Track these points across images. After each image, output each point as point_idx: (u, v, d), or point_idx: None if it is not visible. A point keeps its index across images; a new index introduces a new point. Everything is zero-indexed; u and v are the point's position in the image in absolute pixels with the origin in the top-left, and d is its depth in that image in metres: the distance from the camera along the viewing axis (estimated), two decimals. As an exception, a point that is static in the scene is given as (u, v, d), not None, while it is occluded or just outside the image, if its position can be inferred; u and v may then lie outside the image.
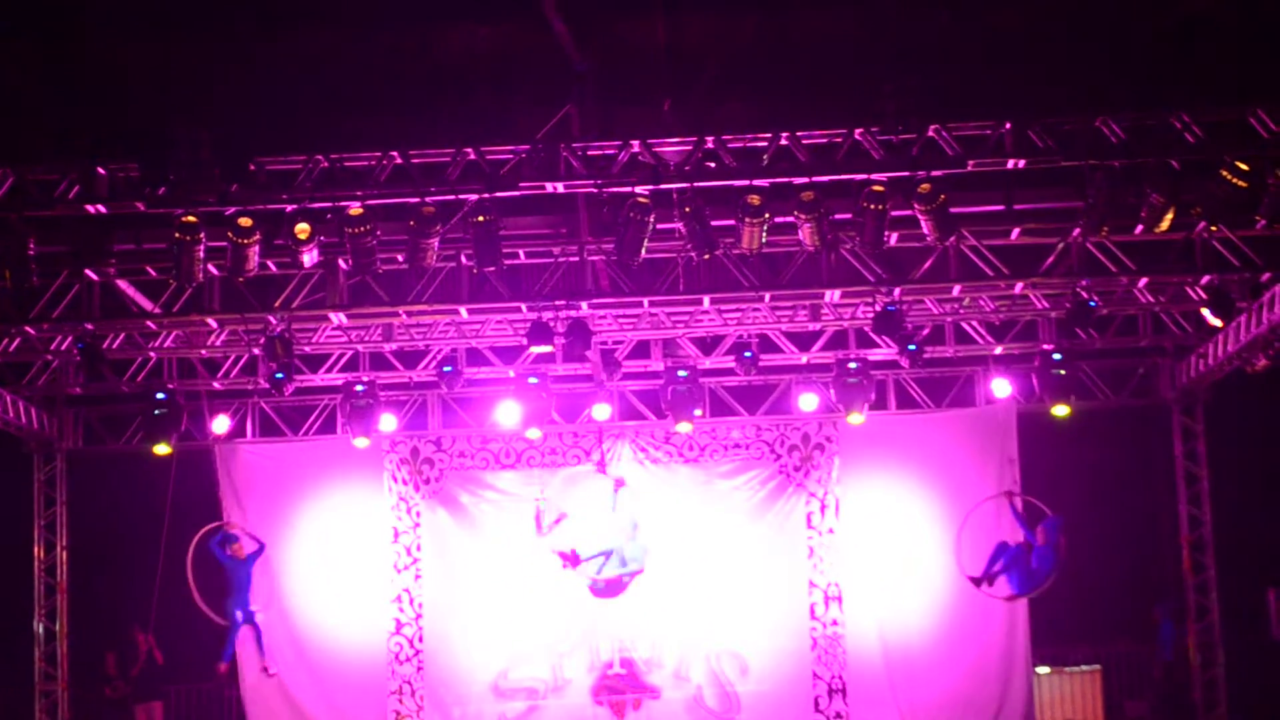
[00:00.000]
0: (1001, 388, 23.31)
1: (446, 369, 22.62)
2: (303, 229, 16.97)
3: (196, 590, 21.85)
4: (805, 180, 16.90)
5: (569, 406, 24.29)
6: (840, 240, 18.48)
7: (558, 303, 19.59)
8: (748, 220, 16.97)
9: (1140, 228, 17.54)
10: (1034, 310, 21.42)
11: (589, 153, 17.10)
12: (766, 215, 16.96)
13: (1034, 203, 18.99)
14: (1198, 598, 24.15)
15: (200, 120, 16.39)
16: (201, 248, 16.98)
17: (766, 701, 23.77)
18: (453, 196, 17.15)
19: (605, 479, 23.71)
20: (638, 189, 16.96)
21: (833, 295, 20.15)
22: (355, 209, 16.97)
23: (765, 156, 16.99)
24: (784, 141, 16.97)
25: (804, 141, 16.99)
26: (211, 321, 20.04)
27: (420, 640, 24.07)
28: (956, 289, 19.97)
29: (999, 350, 22.96)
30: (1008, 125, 16.82)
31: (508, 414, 22.72)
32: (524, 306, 19.81)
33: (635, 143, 17.01)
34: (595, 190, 17.36)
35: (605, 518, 23.48)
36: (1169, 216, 17.01)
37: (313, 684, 23.90)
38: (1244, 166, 16.42)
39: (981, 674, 23.57)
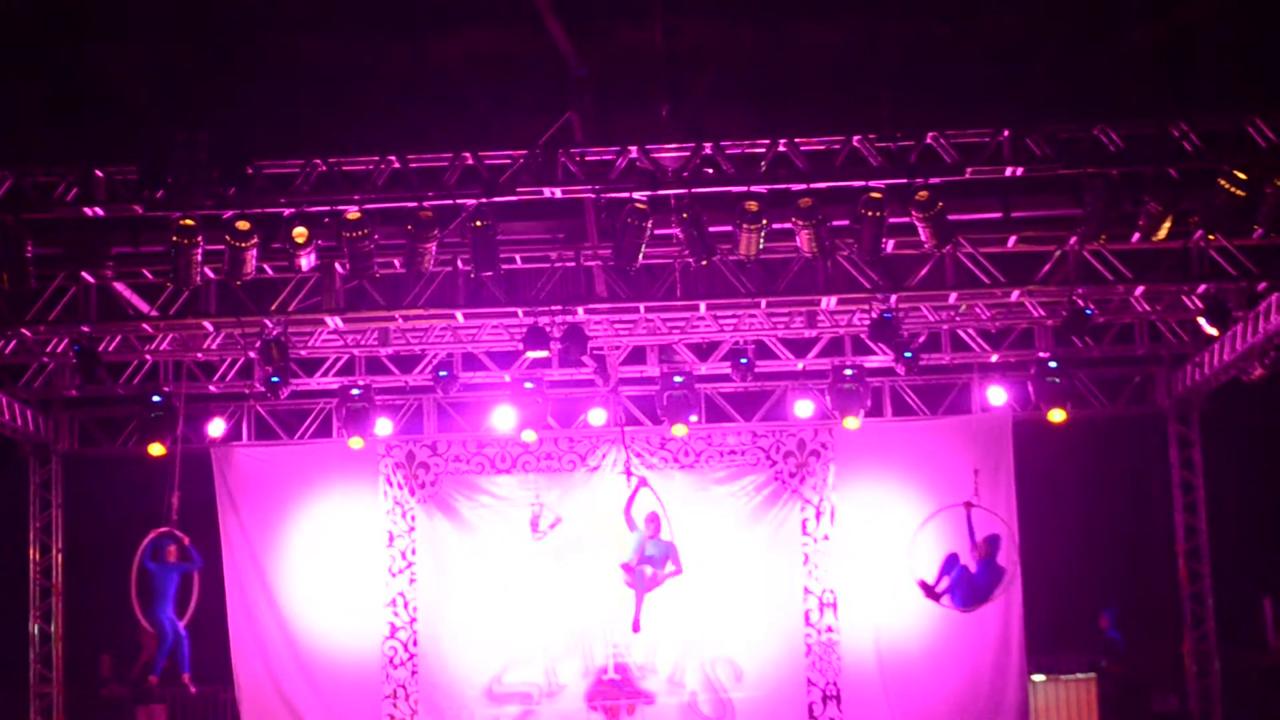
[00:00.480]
0: (997, 395, 23.33)
1: (442, 373, 22.60)
2: (300, 233, 16.95)
3: (135, 595, 21.57)
4: (803, 187, 16.90)
5: (564, 411, 24.30)
6: (837, 247, 18.47)
7: (554, 308, 19.58)
8: (745, 226, 16.97)
9: (1137, 236, 17.56)
10: (1030, 318, 21.42)
11: (587, 158, 17.11)
12: (764, 221, 16.95)
13: (1031, 210, 19.00)
14: (1193, 606, 24.15)
15: (198, 123, 16.39)
16: (199, 251, 16.98)
17: (761, 708, 23.78)
18: (451, 201, 17.13)
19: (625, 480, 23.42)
20: (635, 195, 16.96)
21: (829, 302, 20.14)
22: (353, 213, 16.96)
23: (763, 163, 16.98)
24: (782, 148, 16.95)
25: (802, 148, 16.97)
26: (207, 325, 20.01)
27: (415, 644, 24.07)
28: (953, 296, 19.95)
29: (995, 358, 22.96)
30: (1006, 133, 16.83)
31: (503, 419, 22.73)
32: (520, 311, 19.82)
33: (633, 148, 17.01)
34: (593, 196, 17.36)
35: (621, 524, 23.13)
36: (1167, 225, 17.03)
37: (307, 687, 23.90)
38: (1242, 175, 16.41)
39: (976, 681, 23.58)
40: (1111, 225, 17.25)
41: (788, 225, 17.12)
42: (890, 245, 18.36)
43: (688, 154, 17.06)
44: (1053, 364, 21.78)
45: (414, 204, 17.02)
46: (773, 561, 24.10)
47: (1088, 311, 19.45)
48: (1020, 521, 23.39)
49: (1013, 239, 19.27)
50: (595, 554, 23.65)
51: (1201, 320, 20.08)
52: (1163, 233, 17.17)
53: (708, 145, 16.97)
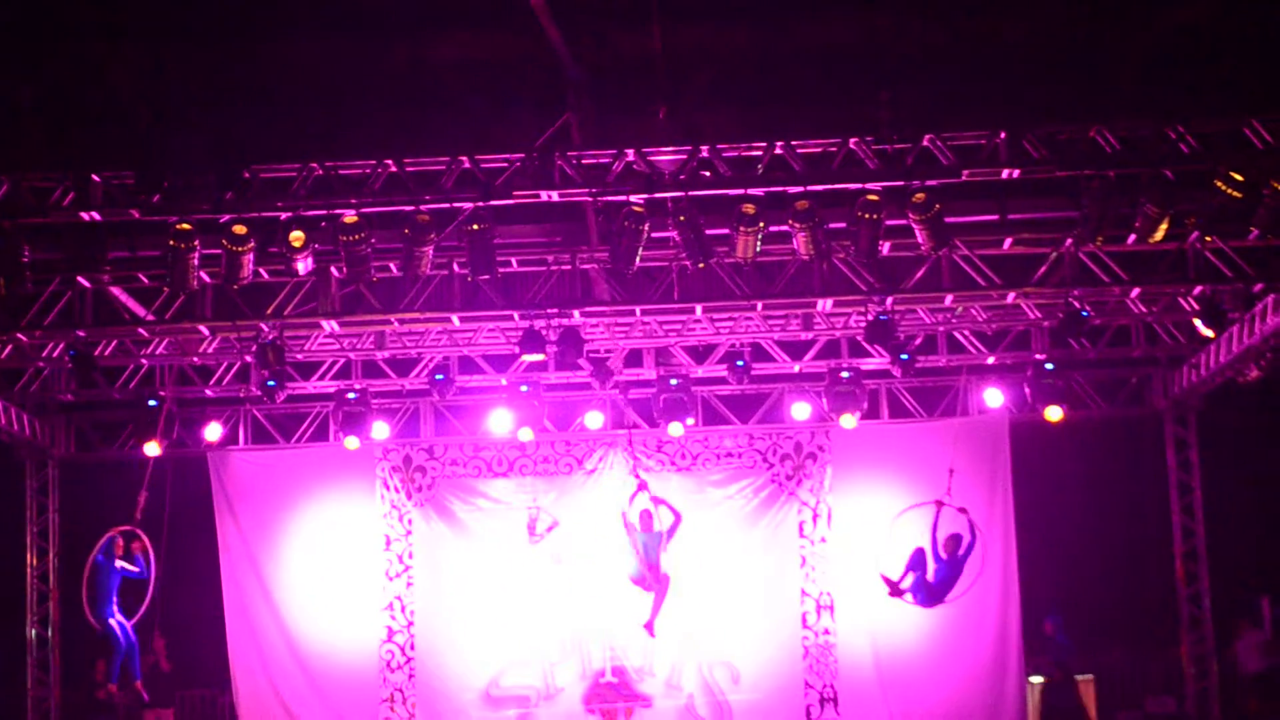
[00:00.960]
0: (994, 397, 23.34)
1: (439, 377, 22.68)
2: (297, 237, 16.96)
3: (85, 592, 21.48)
4: (800, 189, 16.91)
5: (561, 414, 24.30)
6: (834, 249, 18.47)
7: (550, 311, 19.58)
8: (742, 229, 16.98)
9: (1133, 238, 17.55)
10: (1027, 320, 21.43)
11: (584, 161, 17.11)
12: (761, 224, 16.96)
13: (1028, 212, 19.00)
14: (1190, 608, 24.16)
15: (195, 128, 16.38)
16: (196, 255, 16.99)
17: (758, 710, 23.79)
18: (447, 205, 17.13)
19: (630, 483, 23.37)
20: (632, 197, 16.97)
21: (825, 304, 20.14)
22: (350, 217, 16.96)
23: (760, 165, 17.00)
24: (779, 151, 16.98)
25: (799, 151, 16.99)
26: (204, 329, 19.99)
27: (412, 648, 24.07)
28: (949, 298, 19.96)
29: (991, 360, 22.96)
30: (1003, 135, 16.85)
31: (500, 422, 22.73)
32: (517, 314, 19.82)
33: (630, 151, 17.03)
34: (590, 199, 17.37)
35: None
36: (1163, 227, 17.03)
37: (305, 691, 23.91)
38: (1239, 177, 16.42)
39: (974, 683, 23.59)
40: (1108, 227, 17.26)
41: (784, 228, 17.13)
42: (887, 247, 18.33)
43: (684, 157, 17.08)
44: (1049, 366, 21.81)
45: (411, 207, 17.04)
46: (770, 564, 24.11)
47: (1084, 313, 19.43)
48: (1017, 523, 23.43)
49: (1009, 241, 19.26)
50: (592, 557, 23.70)
51: (1198, 322, 20.09)
52: (1159, 234, 17.18)
53: (704, 148, 16.99)
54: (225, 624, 23.92)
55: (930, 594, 21.00)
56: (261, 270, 18.20)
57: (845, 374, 22.37)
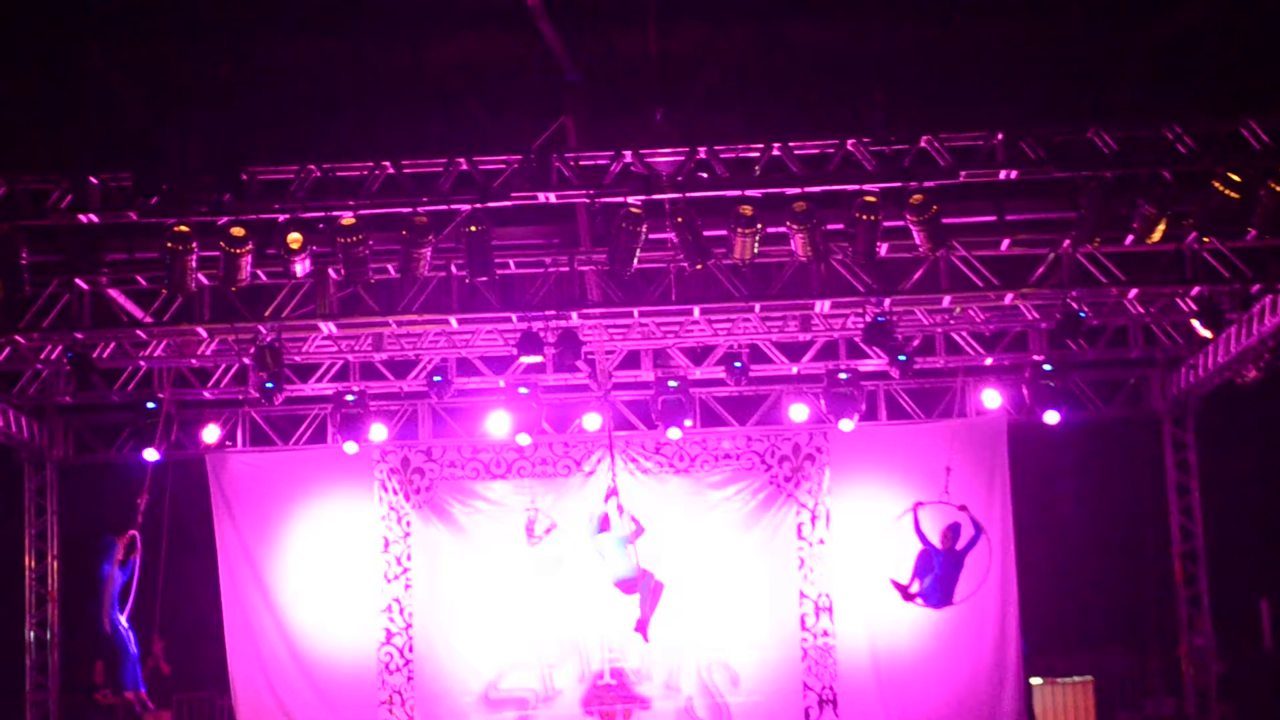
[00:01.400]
0: (992, 399, 23.34)
1: (437, 379, 22.68)
2: (295, 239, 16.97)
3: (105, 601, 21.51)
4: (797, 191, 16.91)
5: (559, 416, 24.29)
6: (832, 251, 18.46)
7: (548, 313, 19.59)
8: (740, 230, 16.97)
9: (1131, 239, 17.56)
10: (1024, 321, 21.43)
11: (581, 163, 17.11)
12: (759, 226, 16.96)
13: (1026, 213, 19.00)
14: (1189, 609, 24.15)
15: (192, 129, 16.40)
16: (194, 257, 17.00)
17: (757, 712, 23.76)
18: (445, 206, 17.13)
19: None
20: (630, 199, 16.98)
21: (823, 306, 20.12)
22: (347, 219, 16.97)
23: (757, 167, 16.99)
24: (776, 152, 16.98)
25: (796, 152, 16.99)
26: (201, 331, 19.99)
27: (410, 650, 24.05)
28: (947, 300, 19.96)
29: (989, 361, 22.96)
30: (1000, 136, 16.84)
31: (498, 424, 22.73)
32: (515, 316, 19.83)
33: (627, 153, 17.03)
34: (588, 201, 17.37)
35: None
36: (1161, 227, 17.04)
37: (304, 693, 23.87)
38: (1236, 177, 16.42)
39: (973, 684, 23.55)
40: (1105, 228, 17.27)
41: (782, 229, 17.13)
42: (884, 249, 18.30)
43: (682, 158, 17.08)
44: (1047, 367, 21.80)
45: (408, 209, 17.04)
46: (768, 566, 24.09)
47: (1082, 314, 19.44)
48: (1015, 524, 23.41)
49: (1007, 242, 19.25)
50: (591, 559, 23.63)
51: (1196, 323, 20.09)
52: (1157, 235, 17.19)
53: (702, 149, 16.99)
54: (223, 626, 23.88)
55: (939, 593, 21.02)
56: (259, 272, 18.20)
57: (843, 375, 22.39)
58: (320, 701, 23.87)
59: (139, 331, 20.06)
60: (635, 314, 20.57)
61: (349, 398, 22.81)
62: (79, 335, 19.63)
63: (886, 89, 16.82)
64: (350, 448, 23.22)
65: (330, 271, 18.71)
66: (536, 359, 20.12)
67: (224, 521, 24.07)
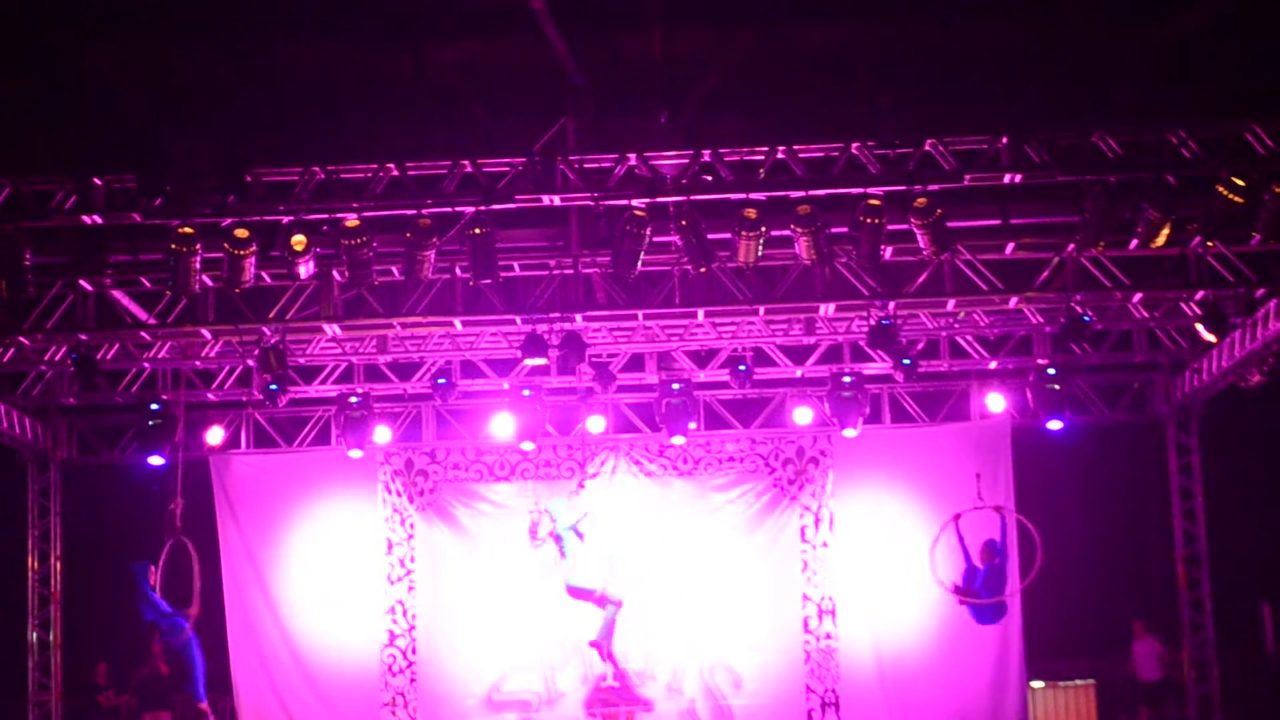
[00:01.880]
0: (996, 402, 23.33)
1: (441, 381, 22.67)
2: (299, 240, 16.96)
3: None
4: (802, 194, 16.90)
5: (563, 419, 24.27)
6: (836, 254, 18.47)
7: (552, 315, 19.57)
8: (744, 234, 16.97)
9: (1135, 243, 17.55)
10: (1029, 325, 21.40)
11: (585, 165, 17.11)
12: (763, 229, 16.95)
13: (1030, 217, 18.99)
14: (1192, 613, 24.14)
15: (197, 131, 16.39)
16: (198, 259, 16.98)
17: (760, 715, 23.77)
18: (449, 209, 17.14)
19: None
20: (634, 202, 16.97)
21: (827, 309, 20.09)
22: (351, 221, 16.97)
23: (762, 170, 17.00)
24: (780, 155, 16.99)
25: (800, 155, 17.00)
26: (206, 333, 19.98)
27: (413, 652, 24.06)
28: (951, 303, 19.94)
29: (994, 365, 22.95)
30: (1004, 140, 16.84)
31: (502, 426, 22.71)
32: (519, 319, 19.81)
33: (632, 156, 17.02)
34: (592, 203, 17.36)
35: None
36: (1165, 232, 17.04)
37: (307, 695, 23.91)
38: (1240, 182, 16.43)
39: (976, 688, 23.56)
40: (1110, 232, 17.27)
41: (786, 232, 17.12)
42: (889, 252, 18.33)
43: (686, 161, 17.08)
44: (1051, 371, 21.75)
45: (412, 212, 17.05)
46: (772, 568, 24.09)
47: (1086, 318, 19.41)
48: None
49: (1011, 246, 19.25)
50: (593, 562, 23.66)
51: (1200, 327, 20.12)
52: (1161, 239, 17.19)
53: (706, 152, 16.99)
54: (226, 628, 23.89)
55: (989, 612, 20.97)
56: (264, 274, 18.20)
57: (847, 379, 22.37)
58: (323, 703, 23.89)
59: (143, 333, 20.07)
60: (639, 317, 20.55)
61: (353, 400, 22.79)
62: (83, 336, 19.60)
63: (891, 93, 16.79)
64: (355, 454, 23.20)
65: (334, 273, 18.70)
66: (541, 361, 20.10)
67: (227, 523, 24.10)
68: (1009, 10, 17.71)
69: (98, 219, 17.10)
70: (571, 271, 19.60)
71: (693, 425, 23.12)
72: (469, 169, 17.09)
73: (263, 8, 17.48)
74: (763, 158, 17.02)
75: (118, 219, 17.18)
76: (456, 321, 19.92)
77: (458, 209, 17.16)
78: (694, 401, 23.03)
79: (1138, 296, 19.96)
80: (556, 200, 17.18)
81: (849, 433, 22.71)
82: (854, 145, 16.91)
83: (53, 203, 17.09)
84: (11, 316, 18.91)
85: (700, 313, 20.16)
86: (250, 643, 23.93)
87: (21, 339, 19.75)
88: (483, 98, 18.67)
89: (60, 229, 17.85)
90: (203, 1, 17.46)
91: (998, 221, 18.90)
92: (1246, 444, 24.44)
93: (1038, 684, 24.14)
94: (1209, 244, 18.46)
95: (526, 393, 22.18)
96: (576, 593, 21.93)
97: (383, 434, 23.41)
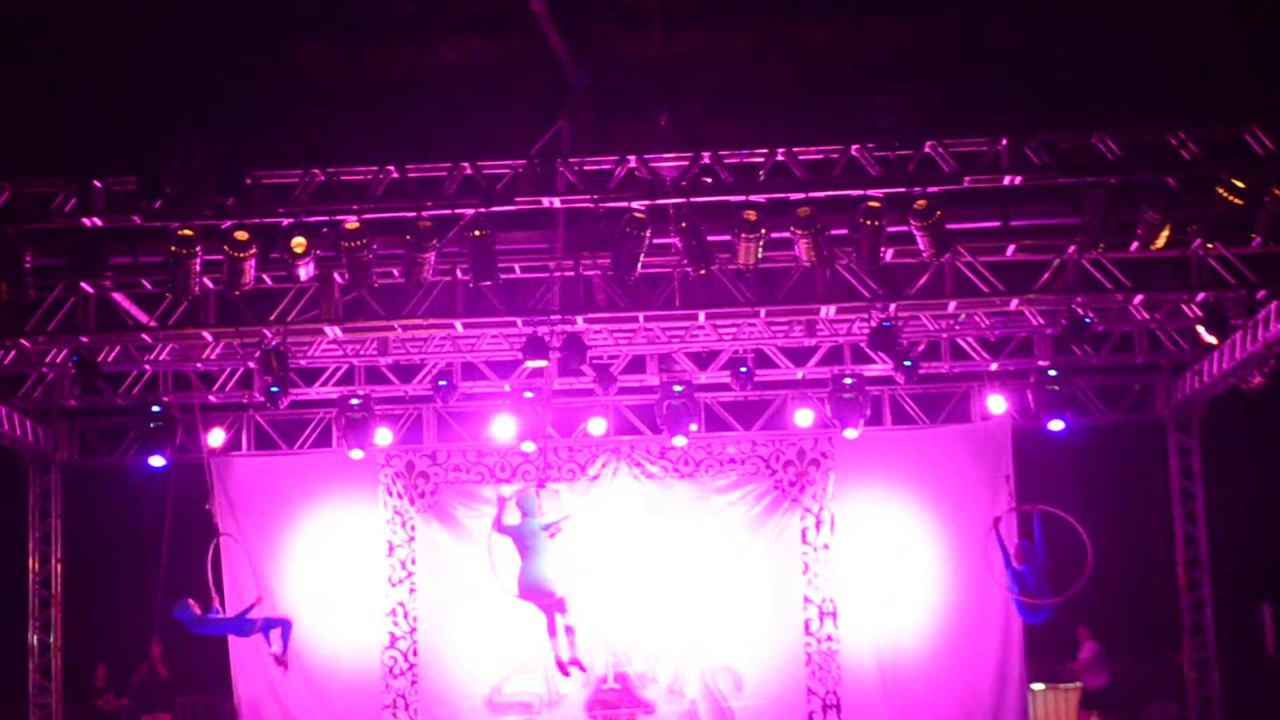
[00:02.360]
0: (997, 404, 23.32)
1: (442, 383, 22.64)
2: (299, 243, 16.95)
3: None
4: (802, 196, 16.89)
5: (564, 421, 24.28)
6: (836, 256, 18.47)
7: (553, 317, 19.57)
8: (744, 236, 16.96)
9: (1136, 245, 17.55)
10: (1029, 327, 21.37)
11: (585, 168, 17.11)
12: (763, 231, 16.94)
13: (1030, 219, 18.97)
14: (1192, 615, 24.13)
15: (196, 133, 16.39)
16: (198, 261, 16.96)
17: (761, 717, 23.76)
18: (449, 211, 17.14)
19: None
20: (634, 204, 16.97)
21: (828, 311, 20.10)
22: (352, 223, 16.97)
23: (761, 172, 16.99)
24: (780, 157, 16.98)
25: (800, 157, 16.99)
26: (207, 335, 20.00)
27: (414, 654, 24.07)
28: (952, 305, 19.94)
29: (994, 366, 22.95)
30: (1004, 141, 16.82)
31: (503, 428, 22.71)
32: (520, 321, 19.81)
33: (632, 158, 17.01)
34: (592, 205, 17.36)
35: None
36: (1165, 233, 17.01)
37: (307, 697, 23.89)
38: (1240, 184, 16.40)
39: (976, 690, 23.56)
40: (1110, 234, 17.25)
41: (786, 234, 17.11)
42: (889, 254, 18.33)
43: (686, 163, 17.06)
44: (1052, 372, 21.76)
45: (412, 214, 17.03)
46: (773, 570, 24.09)
47: (1087, 320, 19.41)
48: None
49: (1011, 247, 19.22)
50: (595, 563, 23.68)
51: (1201, 328, 20.08)
52: (1161, 241, 17.16)
53: (706, 155, 16.97)
54: (227, 630, 23.91)
55: (1037, 612, 20.88)
56: (264, 276, 18.20)
57: (848, 380, 22.37)
58: (323, 705, 23.89)
59: (144, 335, 20.06)
60: (640, 318, 20.56)
61: (354, 402, 22.78)
62: (84, 339, 19.60)
63: (890, 94, 16.79)
64: (356, 454, 23.18)
65: (335, 275, 18.70)
66: (542, 363, 20.09)
67: (228, 525, 24.04)
68: (1009, 12, 17.71)
69: (98, 221, 17.09)
70: (572, 273, 19.60)
71: (694, 427, 23.12)
72: (469, 171, 17.09)
73: (263, 9, 17.49)
74: (762, 160, 17.01)
75: (118, 221, 17.15)
76: (457, 324, 19.92)
77: (458, 211, 17.17)
78: (695, 403, 23.02)
79: (1139, 298, 19.96)
80: (556, 202, 17.19)
81: (850, 434, 22.71)
82: (853, 147, 16.90)
83: (53, 205, 17.08)
84: (12, 319, 18.95)
85: (701, 315, 20.18)
86: (250, 644, 23.86)
87: (22, 341, 19.76)
88: (483, 99, 18.68)
89: (60, 231, 17.84)
90: (202, 3, 17.48)
91: (998, 223, 18.87)
92: (1247, 446, 24.45)
93: (1038, 686, 24.17)
94: (1209, 246, 18.44)
95: (528, 395, 22.20)
96: (531, 593, 21.51)
97: (384, 436, 23.41)
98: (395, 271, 18.12)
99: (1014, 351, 22.67)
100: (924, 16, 17.68)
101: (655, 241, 17.39)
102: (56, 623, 24.37)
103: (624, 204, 17.04)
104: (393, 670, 24.04)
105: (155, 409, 21.93)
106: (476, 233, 17.08)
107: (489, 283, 17.90)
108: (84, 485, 25.05)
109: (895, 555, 23.86)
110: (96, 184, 16.92)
